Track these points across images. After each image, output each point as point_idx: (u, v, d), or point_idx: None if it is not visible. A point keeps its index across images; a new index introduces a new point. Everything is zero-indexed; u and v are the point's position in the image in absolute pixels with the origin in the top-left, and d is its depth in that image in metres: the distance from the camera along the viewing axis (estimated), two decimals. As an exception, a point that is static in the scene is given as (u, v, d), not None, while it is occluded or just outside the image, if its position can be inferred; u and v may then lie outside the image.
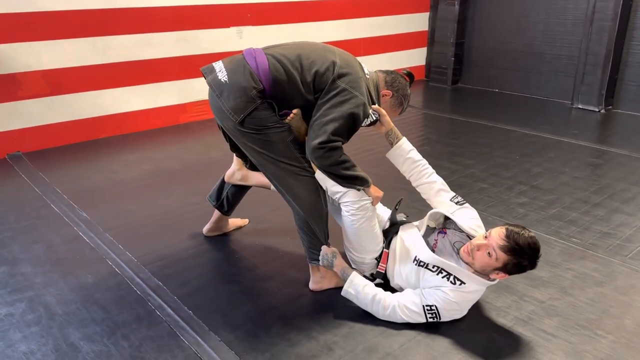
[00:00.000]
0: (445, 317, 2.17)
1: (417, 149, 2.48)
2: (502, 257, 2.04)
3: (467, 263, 2.17)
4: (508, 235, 2.03)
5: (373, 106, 2.35)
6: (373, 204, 2.33)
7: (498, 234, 2.06)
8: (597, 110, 5.83)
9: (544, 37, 6.31)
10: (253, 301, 2.40)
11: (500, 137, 4.87)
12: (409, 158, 2.44)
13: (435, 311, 2.15)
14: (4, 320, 2.25)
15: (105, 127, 4.79)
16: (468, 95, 6.77)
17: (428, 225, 2.44)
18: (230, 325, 2.22)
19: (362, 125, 2.31)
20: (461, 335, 2.17)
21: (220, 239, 2.97)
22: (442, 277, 2.15)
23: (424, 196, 2.49)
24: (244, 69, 2.22)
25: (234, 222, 3.05)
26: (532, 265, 2.06)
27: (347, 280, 2.27)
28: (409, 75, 2.54)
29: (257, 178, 2.69)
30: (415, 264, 2.24)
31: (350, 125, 2.21)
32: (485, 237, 2.10)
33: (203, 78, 2.34)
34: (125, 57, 4.73)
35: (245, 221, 3.12)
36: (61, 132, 4.54)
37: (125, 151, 4.48)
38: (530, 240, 2.03)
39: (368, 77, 2.37)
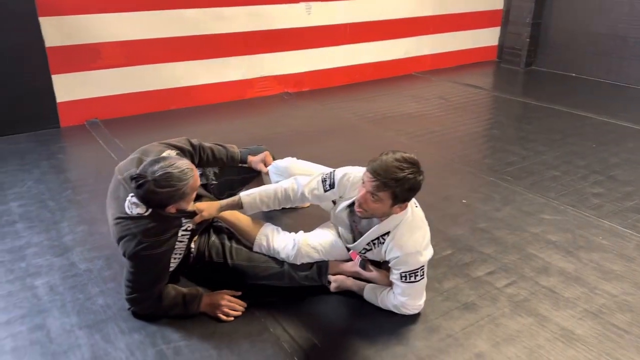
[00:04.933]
0: (417, 262, 2.04)
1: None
2: (385, 195, 1.89)
3: (368, 217, 2.06)
4: (373, 173, 1.88)
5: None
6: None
7: (367, 176, 1.91)
8: (685, 99, 5.43)
9: (628, 18, 5.90)
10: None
11: (576, 124, 4.64)
12: (259, 204, 2.25)
13: (407, 274, 2.04)
14: (84, 275, 2.41)
15: (176, 99, 4.94)
16: (542, 78, 6.48)
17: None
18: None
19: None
20: (525, 323, 2.13)
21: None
22: (379, 246, 2.09)
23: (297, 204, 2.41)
24: None
25: None
26: (411, 178, 1.87)
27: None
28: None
29: None
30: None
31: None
32: (363, 182, 1.94)
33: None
34: (198, 30, 4.84)
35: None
36: (136, 101, 4.73)
37: (194, 123, 4.61)
38: (393, 163, 1.86)
39: None
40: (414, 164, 1.90)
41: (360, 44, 5.94)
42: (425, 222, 2.13)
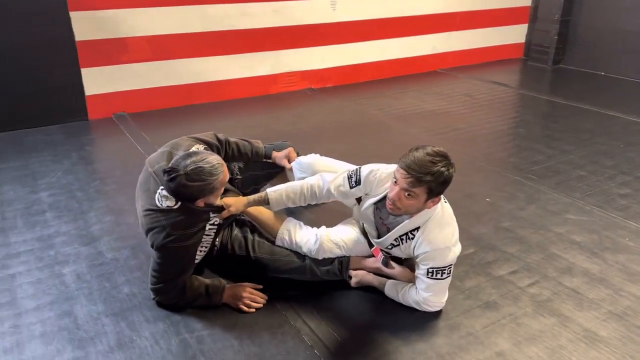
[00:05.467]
0: (445, 258, 2.04)
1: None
2: (420, 190, 1.88)
3: (401, 215, 2.04)
4: (407, 169, 1.86)
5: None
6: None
7: (400, 174, 1.89)
8: None
9: (661, 16, 5.77)
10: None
11: (604, 123, 4.56)
12: (285, 200, 2.30)
13: (434, 271, 2.04)
14: (110, 264, 2.46)
15: (203, 94, 4.99)
16: (570, 77, 6.37)
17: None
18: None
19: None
20: (548, 323, 2.11)
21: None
22: (408, 241, 2.09)
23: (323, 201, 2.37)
24: None
25: None
26: (444, 170, 1.87)
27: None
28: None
29: None
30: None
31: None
32: (395, 182, 1.93)
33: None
34: (224, 26, 4.88)
35: None
36: (162, 95, 4.79)
37: (219, 118, 4.66)
38: (425, 157, 1.85)
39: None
40: (445, 157, 1.90)
41: (385, 40, 5.91)
42: (454, 219, 2.13)
